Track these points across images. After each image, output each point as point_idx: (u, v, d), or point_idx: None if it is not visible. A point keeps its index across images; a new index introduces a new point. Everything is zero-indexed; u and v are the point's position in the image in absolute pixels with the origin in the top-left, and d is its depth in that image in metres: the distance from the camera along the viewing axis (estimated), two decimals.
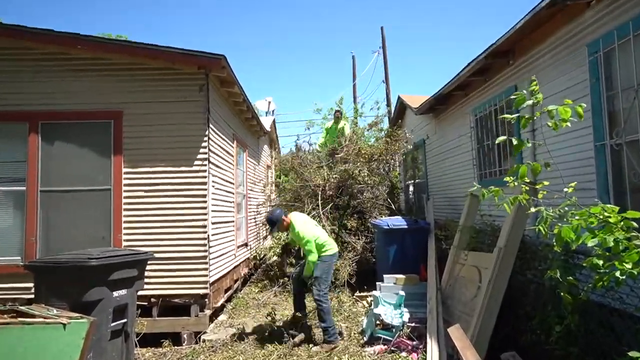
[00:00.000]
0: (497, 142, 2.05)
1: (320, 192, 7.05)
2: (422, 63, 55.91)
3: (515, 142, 2.02)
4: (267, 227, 4.74)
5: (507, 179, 2.12)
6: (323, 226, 6.56)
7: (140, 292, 3.95)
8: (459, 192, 6.72)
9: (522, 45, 4.55)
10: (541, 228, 1.87)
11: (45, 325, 2.57)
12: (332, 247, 4.30)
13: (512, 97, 2.17)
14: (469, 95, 6.22)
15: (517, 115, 2.29)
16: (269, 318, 4.76)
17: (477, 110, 5.95)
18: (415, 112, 8.11)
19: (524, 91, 2.17)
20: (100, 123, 4.80)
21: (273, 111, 14.93)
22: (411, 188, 10.11)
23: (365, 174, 7.06)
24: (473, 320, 3.57)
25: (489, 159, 5.72)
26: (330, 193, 7.11)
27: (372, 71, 36.55)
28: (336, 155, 7.60)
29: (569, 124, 1.89)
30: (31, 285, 3.96)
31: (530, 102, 2.02)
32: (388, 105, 15.39)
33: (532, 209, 2.31)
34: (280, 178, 10.17)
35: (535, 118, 2.18)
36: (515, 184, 2.49)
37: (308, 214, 6.82)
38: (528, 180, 2.49)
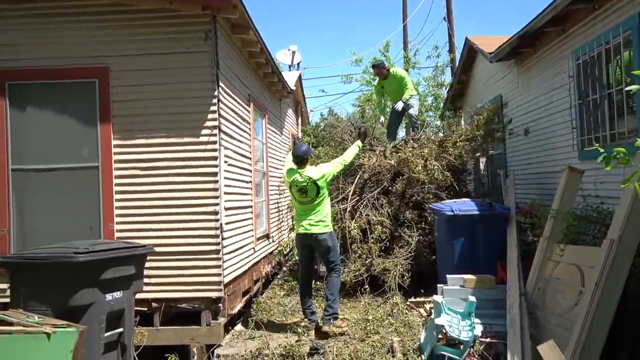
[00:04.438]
0: (631, 89, 1.83)
1: (363, 173, 6.87)
2: None
3: None
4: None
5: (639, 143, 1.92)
6: (367, 215, 6.45)
7: (138, 295, 4.07)
8: (551, 165, 6.41)
9: None
10: None
11: (25, 335, 2.66)
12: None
13: None
14: (568, 32, 5.83)
15: None
16: (300, 330, 4.78)
17: (580, 52, 5.56)
18: (490, 58, 7.74)
19: None
20: (82, 83, 4.86)
21: (298, 64, 14.79)
22: (482, 161, 9.77)
23: (435, 167, 6.43)
24: (573, 336, 3.44)
25: (595, 120, 5.37)
26: (381, 177, 6.85)
27: (430, 6, 35.24)
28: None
29: None
30: (5, 286, 4.15)
31: None
32: (451, 51, 14.84)
33: None
34: None
35: None
36: None
37: (344, 199, 6.79)
38: None
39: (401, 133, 11.30)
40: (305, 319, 5.13)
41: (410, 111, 7.94)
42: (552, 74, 6.35)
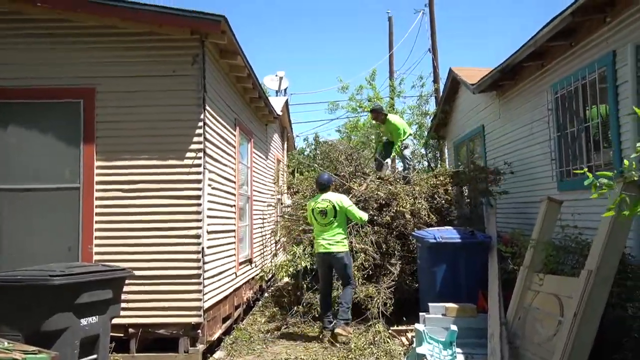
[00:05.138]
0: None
1: (350, 199, 6.85)
2: (484, 28, 54.93)
3: None
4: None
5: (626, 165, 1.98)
6: (351, 242, 6.45)
7: (115, 320, 3.97)
8: (532, 195, 6.51)
9: None
10: None
11: None
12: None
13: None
14: (547, 67, 6.02)
15: None
16: None
17: (558, 87, 5.74)
18: (473, 89, 7.92)
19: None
20: (67, 103, 4.84)
21: (285, 90, 14.93)
22: (465, 190, 9.88)
23: (423, 207, 6.61)
24: None
25: (573, 152, 5.51)
26: (367, 206, 6.79)
27: (415, 37, 36.17)
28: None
29: None
30: None
31: None
32: (435, 81, 15.20)
33: None
34: (294, 176, 10.13)
35: None
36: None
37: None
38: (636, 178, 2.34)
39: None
40: (324, 328, 5.62)
41: (405, 152, 7.99)
42: (532, 106, 6.52)
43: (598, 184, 2.22)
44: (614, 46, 4.62)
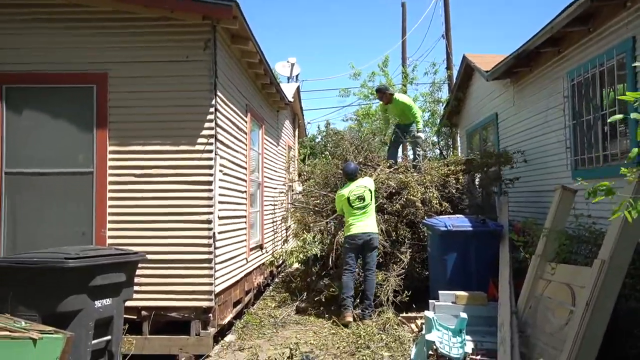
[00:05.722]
0: (613, 119, 1.86)
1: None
2: (499, 16, 53.94)
3: None
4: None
5: (624, 170, 1.95)
6: None
7: (128, 303, 4.03)
8: (545, 184, 6.45)
9: None
10: None
11: (10, 340, 2.62)
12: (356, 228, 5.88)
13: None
14: (563, 53, 5.91)
15: None
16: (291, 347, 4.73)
17: (575, 73, 5.63)
18: (487, 76, 7.81)
19: None
20: (80, 88, 4.87)
21: (297, 77, 14.86)
22: (477, 178, 9.81)
23: (434, 196, 6.59)
24: (563, 356, 3.43)
25: (588, 140, 5.42)
26: (376, 195, 6.84)
27: (429, 24, 35.66)
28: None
29: None
30: None
31: None
32: (448, 68, 14.99)
33: None
34: (305, 162, 10.13)
35: None
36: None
37: (334, 211, 6.74)
38: None
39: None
40: (345, 309, 5.71)
41: (419, 140, 7.84)
42: (547, 93, 6.42)
43: (597, 192, 2.17)
44: (634, 32, 4.50)
